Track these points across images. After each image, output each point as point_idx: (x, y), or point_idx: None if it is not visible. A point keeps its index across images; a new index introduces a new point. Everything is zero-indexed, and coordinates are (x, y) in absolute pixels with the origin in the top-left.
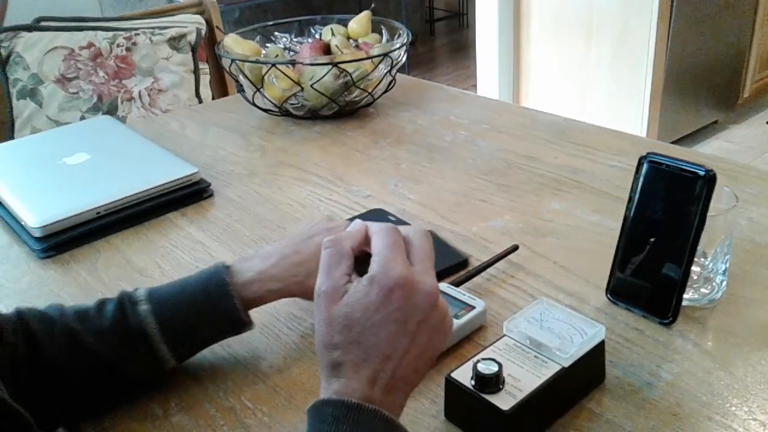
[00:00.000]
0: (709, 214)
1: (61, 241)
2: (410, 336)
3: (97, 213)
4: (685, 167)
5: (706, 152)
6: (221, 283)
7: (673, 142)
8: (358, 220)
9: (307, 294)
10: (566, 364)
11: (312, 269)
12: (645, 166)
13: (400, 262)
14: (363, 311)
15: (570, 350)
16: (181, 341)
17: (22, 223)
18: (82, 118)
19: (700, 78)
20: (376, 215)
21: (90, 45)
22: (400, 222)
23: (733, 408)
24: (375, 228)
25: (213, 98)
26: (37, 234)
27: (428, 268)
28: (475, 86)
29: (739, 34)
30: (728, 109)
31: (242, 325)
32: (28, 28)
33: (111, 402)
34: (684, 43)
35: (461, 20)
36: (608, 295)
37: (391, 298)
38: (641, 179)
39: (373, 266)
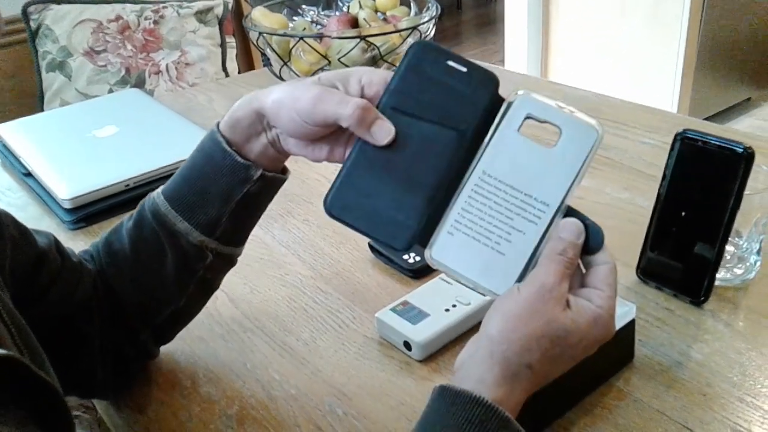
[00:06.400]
0: (745, 192)
1: (91, 212)
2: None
3: (126, 186)
4: (722, 144)
5: (738, 130)
6: (211, 135)
7: (704, 120)
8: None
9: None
10: None
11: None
12: (680, 143)
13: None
14: (578, 340)
15: None
16: (194, 208)
17: (53, 195)
18: (110, 91)
19: (734, 54)
20: None
21: (118, 18)
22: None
23: (765, 389)
24: (604, 258)
25: (239, 72)
26: (68, 205)
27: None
28: (502, 62)
29: None
30: (762, 86)
31: (245, 168)
32: (58, 1)
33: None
34: (718, 18)
35: None
36: (638, 274)
37: (597, 345)
38: (676, 156)
39: (603, 305)
